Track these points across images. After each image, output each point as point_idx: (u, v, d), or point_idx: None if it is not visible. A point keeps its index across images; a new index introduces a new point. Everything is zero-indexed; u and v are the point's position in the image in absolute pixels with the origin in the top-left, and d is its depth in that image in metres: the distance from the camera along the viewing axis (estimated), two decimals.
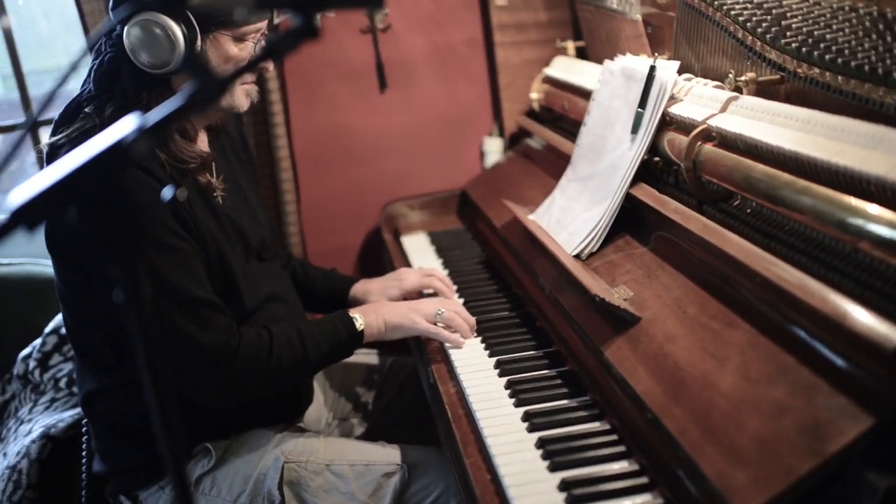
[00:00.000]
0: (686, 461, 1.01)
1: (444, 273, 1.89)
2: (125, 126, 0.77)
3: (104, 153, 0.76)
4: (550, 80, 2.21)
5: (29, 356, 2.08)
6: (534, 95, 2.25)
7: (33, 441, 1.84)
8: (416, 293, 1.82)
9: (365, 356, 1.98)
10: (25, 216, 0.77)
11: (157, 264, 1.36)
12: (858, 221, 1.00)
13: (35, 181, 0.77)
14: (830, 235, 1.08)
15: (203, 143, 1.56)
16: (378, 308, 1.61)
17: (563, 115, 2.10)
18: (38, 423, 1.93)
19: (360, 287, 1.86)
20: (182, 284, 1.38)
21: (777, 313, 1.07)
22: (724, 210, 1.34)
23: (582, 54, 2.24)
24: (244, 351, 1.43)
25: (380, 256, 2.36)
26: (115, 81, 1.41)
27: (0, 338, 2.19)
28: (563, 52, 2.23)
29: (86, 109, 1.41)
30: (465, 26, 2.41)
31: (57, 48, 3.93)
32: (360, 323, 1.56)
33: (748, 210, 1.32)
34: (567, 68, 2.12)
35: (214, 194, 1.52)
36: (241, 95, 1.50)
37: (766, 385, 1.01)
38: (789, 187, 1.13)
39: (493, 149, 2.45)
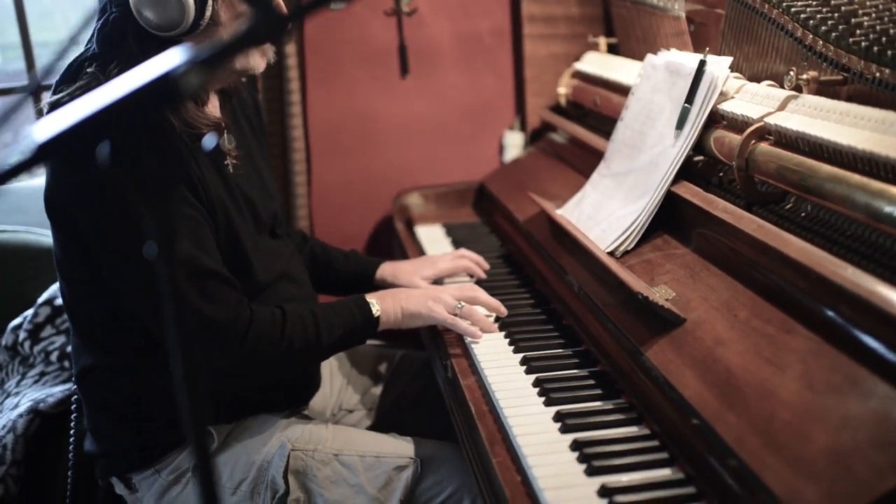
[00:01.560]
0: (742, 472, 0.94)
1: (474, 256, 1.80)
2: (172, 58, 0.69)
3: (151, 84, 0.68)
4: (580, 75, 2.13)
5: (19, 326, 1.99)
6: (561, 90, 2.18)
7: (20, 415, 1.75)
8: (449, 276, 1.74)
9: (374, 347, 1.90)
10: (54, 149, 0.69)
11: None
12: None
13: (65, 113, 0.69)
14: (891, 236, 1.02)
15: (215, 107, 1.47)
16: (396, 294, 1.53)
17: (593, 110, 2.03)
18: (26, 396, 1.83)
19: (389, 268, 1.78)
20: (191, 255, 1.30)
21: (843, 319, 1.00)
22: (776, 212, 1.27)
23: (613, 51, 2.17)
24: (255, 328, 1.35)
25: (390, 246, 2.28)
26: (120, 42, 1.32)
27: None
28: (595, 47, 2.16)
29: (88, 69, 1.32)
30: (493, 15, 2.33)
31: (58, 21, 3.85)
32: (376, 309, 1.47)
33: (802, 214, 1.25)
34: (600, 63, 2.05)
35: (226, 162, 1.44)
36: (257, 55, 1.41)
37: (835, 395, 0.94)
38: (862, 189, 1.06)
39: (514, 143, 2.38)
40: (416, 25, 2.29)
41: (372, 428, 1.75)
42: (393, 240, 2.24)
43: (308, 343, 1.40)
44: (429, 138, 2.38)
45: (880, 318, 0.94)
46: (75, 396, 1.70)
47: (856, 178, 1.08)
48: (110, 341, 1.42)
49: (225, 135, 1.48)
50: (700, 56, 1.49)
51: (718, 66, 1.44)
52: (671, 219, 1.45)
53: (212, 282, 1.34)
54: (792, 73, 1.33)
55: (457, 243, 2.04)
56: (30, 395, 1.84)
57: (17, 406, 1.80)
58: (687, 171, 1.47)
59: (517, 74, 2.38)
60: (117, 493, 1.54)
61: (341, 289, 1.77)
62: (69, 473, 1.65)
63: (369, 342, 1.88)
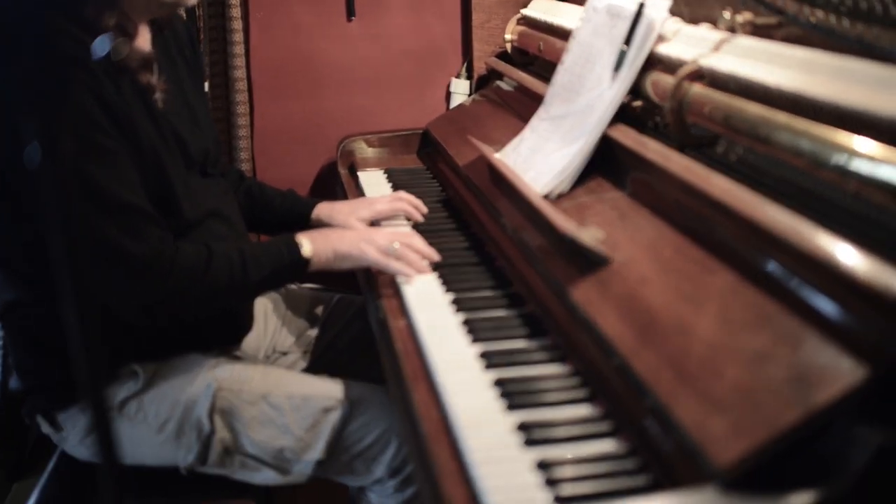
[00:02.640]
0: (656, 408, 0.94)
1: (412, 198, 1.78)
2: None
3: None
4: (527, 21, 2.11)
5: None
6: (508, 36, 2.15)
7: None
8: (386, 218, 1.72)
9: (311, 290, 1.88)
10: None
11: (83, 166, 1.24)
12: (862, 164, 0.93)
13: None
14: (826, 182, 1.02)
15: (145, 40, 1.42)
16: (328, 235, 1.50)
17: (538, 57, 2.01)
18: None
19: (326, 208, 1.75)
20: (112, 189, 1.26)
21: (763, 258, 1.00)
22: (709, 155, 1.27)
23: None
24: (179, 265, 1.32)
25: (333, 192, 2.25)
26: None
27: None
28: None
29: None
30: None
31: None
32: (306, 249, 1.45)
33: (733, 157, 1.25)
34: (546, 9, 2.03)
35: (154, 96, 1.40)
36: None
37: (748, 332, 0.94)
38: (787, 129, 1.05)
39: (461, 90, 2.35)
40: None
41: (307, 370, 1.73)
42: (337, 185, 2.21)
43: (234, 281, 1.38)
44: (375, 84, 2.34)
45: (796, 256, 0.94)
46: (0, 334, 1.66)
47: (782, 117, 1.07)
48: (32, 274, 1.38)
49: (154, 69, 1.43)
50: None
51: (657, 8, 1.43)
52: (607, 162, 1.44)
53: (133, 216, 1.30)
54: (727, 14, 1.32)
55: (398, 188, 2.01)
56: None
57: None
58: (626, 116, 1.46)
59: (465, 20, 2.34)
60: (44, 432, 1.51)
61: (277, 228, 1.74)
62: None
63: (306, 285, 1.88)
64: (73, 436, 1.45)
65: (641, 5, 1.45)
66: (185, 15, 1.57)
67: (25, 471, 1.59)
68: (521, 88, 1.99)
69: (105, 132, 1.27)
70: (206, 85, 2.08)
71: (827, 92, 1.01)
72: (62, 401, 1.44)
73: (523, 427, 1.03)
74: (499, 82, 2.20)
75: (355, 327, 1.79)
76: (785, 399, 0.84)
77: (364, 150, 2.29)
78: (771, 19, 1.27)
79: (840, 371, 0.82)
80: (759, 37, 1.26)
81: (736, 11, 1.31)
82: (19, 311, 1.42)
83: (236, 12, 2.11)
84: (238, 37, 2.14)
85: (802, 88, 1.04)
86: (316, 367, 1.74)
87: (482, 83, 2.33)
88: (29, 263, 1.37)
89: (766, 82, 1.11)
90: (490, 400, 1.10)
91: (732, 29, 1.31)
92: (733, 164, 1.22)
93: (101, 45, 1.24)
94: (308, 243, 1.46)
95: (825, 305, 0.89)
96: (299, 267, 1.45)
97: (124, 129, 1.30)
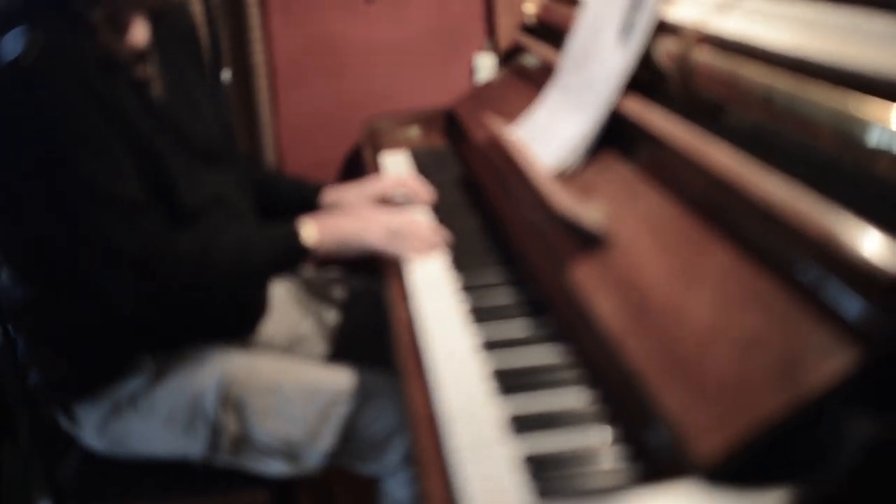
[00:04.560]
0: (644, 395, 0.89)
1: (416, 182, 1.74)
2: None
3: None
4: None
5: None
6: (529, 9, 2.08)
7: None
8: (390, 202, 1.69)
9: (333, 275, 1.86)
10: None
11: (76, 161, 1.23)
12: (860, 128, 0.85)
13: None
14: (828, 149, 0.95)
15: (140, 31, 1.40)
16: (334, 221, 1.48)
17: (562, 29, 1.94)
18: None
19: (334, 193, 1.72)
20: (105, 183, 1.26)
21: (761, 234, 0.93)
22: (721, 125, 1.19)
23: None
24: (176, 255, 1.32)
25: (361, 175, 2.23)
26: None
27: None
28: None
29: None
30: None
31: None
32: (309, 234, 1.42)
33: (745, 127, 1.17)
34: None
35: (151, 88, 1.38)
36: None
37: (742, 314, 0.88)
38: (780, 92, 0.98)
39: (486, 65, 2.30)
40: None
41: (328, 357, 1.72)
42: (364, 169, 2.19)
43: (233, 268, 1.36)
44: (398, 63, 2.31)
45: (794, 233, 0.87)
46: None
47: (782, 80, 1.00)
48: (40, 272, 1.39)
49: (151, 61, 1.42)
50: None
51: None
52: (620, 135, 1.38)
53: (127, 209, 1.29)
54: None
55: (421, 169, 1.98)
56: None
57: None
58: (645, 87, 1.39)
59: None
60: (63, 428, 1.53)
61: (287, 216, 1.72)
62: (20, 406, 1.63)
63: (324, 269, 1.86)
64: (88, 429, 1.46)
65: None
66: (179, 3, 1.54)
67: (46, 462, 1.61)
68: (545, 61, 1.93)
69: (96, 125, 1.26)
70: (227, 73, 2.07)
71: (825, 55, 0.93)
72: (78, 392, 1.45)
73: (511, 417, 0.99)
74: (523, 57, 2.14)
75: (377, 313, 1.76)
76: (772, 385, 0.78)
77: (390, 131, 2.25)
78: None
79: (831, 356, 0.76)
80: None
81: None
82: (31, 308, 1.43)
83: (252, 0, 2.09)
84: (255, 21, 2.12)
85: (804, 50, 0.97)
86: (337, 353, 1.72)
87: (509, 57, 2.27)
88: (36, 262, 1.38)
89: (768, 44, 1.03)
90: (480, 387, 1.06)
91: None
92: (744, 134, 1.14)
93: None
94: (312, 228, 1.43)
95: (823, 286, 0.82)
96: (302, 252, 1.42)
97: (116, 120, 1.29)
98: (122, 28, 1.35)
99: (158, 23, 1.48)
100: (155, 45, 1.45)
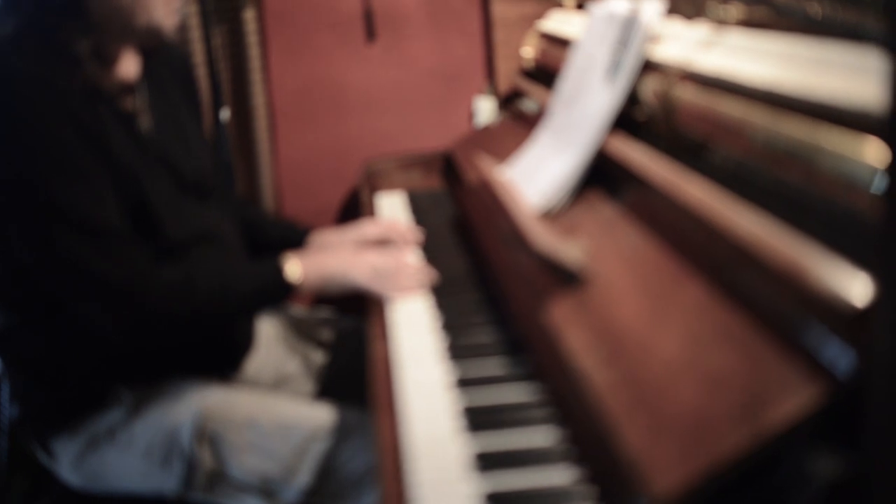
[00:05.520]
0: (606, 428, 0.86)
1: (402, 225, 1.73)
2: None
3: None
4: (545, 36, 2.05)
5: None
6: (526, 52, 2.09)
7: None
8: (376, 244, 1.68)
9: (320, 314, 1.85)
10: None
11: (56, 188, 1.23)
12: (827, 159, 0.84)
13: None
14: (800, 181, 0.93)
15: (130, 66, 1.41)
16: (318, 259, 1.47)
17: (557, 71, 1.94)
18: None
19: (320, 236, 1.72)
20: (86, 212, 1.25)
21: (732, 270, 0.91)
22: (702, 162, 1.18)
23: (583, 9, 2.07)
24: (157, 287, 1.30)
25: (358, 217, 2.22)
26: None
27: None
28: (561, 6, 2.07)
29: None
30: None
31: None
32: (293, 270, 1.41)
33: (729, 164, 1.16)
34: (561, 21, 1.97)
35: (138, 121, 1.39)
36: (161, 11, 1.34)
37: (709, 349, 0.86)
38: (758, 127, 0.97)
39: (486, 109, 2.30)
40: None
41: (313, 397, 1.70)
42: (362, 210, 2.19)
43: (214, 302, 1.35)
44: (399, 105, 2.32)
45: (760, 263, 0.85)
46: None
47: (757, 114, 0.99)
48: (19, 299, 1.39)
49: (139, 94, 1.43)
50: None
51: (650, 9, 1.35)
52: (606, 173, 1.37)
53: (112, 241, 1.29)
54: (717, 7, 1.24)
55: (416, 211, 1.97)
56: None
57: None
58: (630, 126, 1.39)
59: (487, 38, 2.30)
60: (40, 462, 1.51)
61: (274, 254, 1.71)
62: (1, 442, 1.62)
63: (314, 309, 1.84)
64: (65, 464, 1.44)
65: (634, 7, 1.38)
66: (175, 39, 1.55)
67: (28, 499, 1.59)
68: (543, 106, 1.93)
69: (77, 153, 1.26)
70: (226, 112, 2.08)
71: (797, 87, 0.92)
72: (53, 426, 1.43)
73: (477, 454, 0.96)
74: (522, 101, 2.15)
75: (363, 354, 1.74)
76: (735, 422, 0.75)
77: (388, 173, 2.26)
78: (763, 15, 1.19)
79: (795, 391, 0.73)
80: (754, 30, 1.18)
81: (729, 8, 1.23)
82: (10, 335, 1.42)
83: (254, 39, 2.11)
84: (256, 63, 2.14)
85: (777, 82, 0.96)
86: (323, 393, 1.70)
87: (507, 101, 2.28)
88: (11, 287, 1.37)
89: (747, 79, 1.02)
90: (448, 423, 1.04)
91: (726, 24, 1.23)
92: (725, 170, 1.13)
93: None
94: (295, 265, 1.43)
95: (791, 320, 0.80)
96: (285, 288, 1.41)
97: (100, 150, 1.30)
98: (109, 61, 1.36)
99: (151, 58, 1.50)
100: (145, 79, 1.46)
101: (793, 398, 0.72)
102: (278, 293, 1.42)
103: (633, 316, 1.00)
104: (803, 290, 0.78)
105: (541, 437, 1.00)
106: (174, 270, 1.35)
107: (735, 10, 1.21)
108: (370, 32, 2.22)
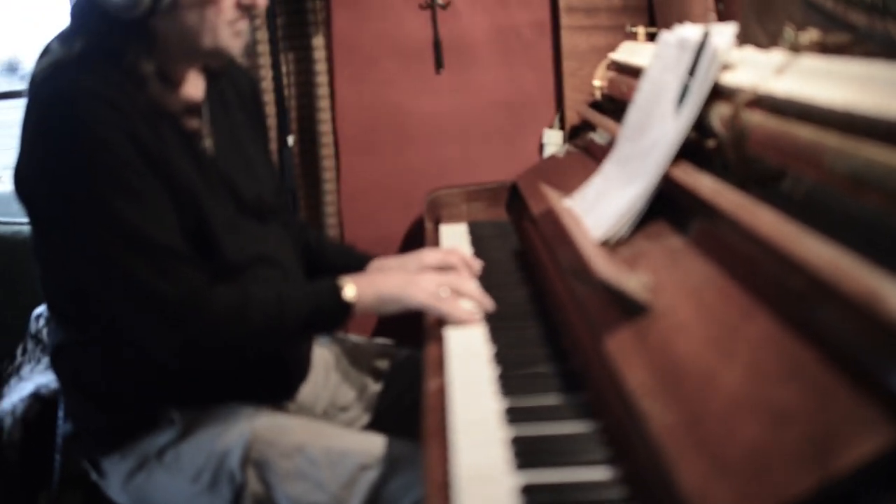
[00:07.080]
0: (663, 466, 0.81)
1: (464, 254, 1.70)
2: None
3: None
4: (615, 66, 2.01)
5: (40, 314, 2.01)
6: (597, 83, 2.06)
7: (21, 399, 1.76)
8: (436, 270, 1.65)
9: (377, 344, 1.82)
10: None
11: (116, 206, 1.24)
12: None
13: None
14: (880, 209, 0.87)
15: (194, 87, 1.42)
16: (374, 279, 1.45)
17: (626, 102, 1.90)
18: (33, 381, 1.85)
19: (377, 263, 1.70)
20: (145, 230, 1.26)
21: (804, 302, 0.85)
22: (775, 191, 1.12)
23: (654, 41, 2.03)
24: (213, 306, 1.30)
25: (421, 247, 2.20)
26: (87, 20, 1.30)
27: (19, 299, 2.13)
28: (633, 37, 2.04)
29: (51, 45, 1.32)
30: (531, 7, 2.25)
31: None
32: (349, 291, 1.39)
33: (802, 192, 1.10)
34: (631, 51, 1.93)
35: (202, 141, 1.40)
36: (227, 34, 1.35)
37: (774, 385, 0.80)
38: (835, 151, 0.91)
39: (554, 141, 2.27)
40: (452, 19, 2.23)
41: (368, 428, 1.66)
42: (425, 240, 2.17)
43: (270, 322, 1.34)
44: (465, 136, 2.30)
45: (837, 301, 0.79)
46: None
47: (833, 139, 0.93)
48: (77, 316, 1.40)
49: (203, 116, 1.44)
50: (706, 27, 1.35)
51: (722, 34, 1.30)
52: (670, 204, 1.32)
53: (169, 259, 1.29)
54: (790, 32, 1.18)
55: (478, 242, 1.94)
56: (37, 380, 1.85)
57: (23, 391, 1.81)
58: (696, 155, 1.34)
59: (557, 69, 2.27)
60: (92, 480, 1.51)
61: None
62: (56, 457, 1.63)
63: (373, 339, 1.82)
64: (114, 483, 1.43)
65: (706, 33, 1.34)
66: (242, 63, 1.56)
67: None
68: (611, 137, 1.89)
69: (138, 173, 1.27)
70: (292, 139, 2.09)
71: (878, 109, 0.86)
72: (105, 445, 1.43)
73: (527, 489, 0.91)
74: (591, 133, 2.10)
75: (419, 385, 1.70)
76: (800, 464, 0.69)
77: (452, 204, 2.23)
78: (842, 38, 1.13)
79: (868, 433, 0.67)
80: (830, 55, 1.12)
81: (801, 29, 1.17)
82: (66, 353, 1.43)
83: (322, 67, 2.13)
84: (323, 91, 2.15)
85: (855, 105, 0.90)
86: (378, 424, 1.67)
87: (576, 133, 2.24)
88: (73, 307, 1.38)
89: (822, 102, 0.97)
90: (498, 456, 0.99)
91: (799, 50, 1.18)
92: (800, 201, 1.07)
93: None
94: (351, 285, 1.40)
95: (866, 357, 0.74)
96: (341, 310, 1.39)
97: (161, 169, 1.30)
98: (174, 81, 1.37)
99: (216, 79, 1.51)
100: (210, 100, 1.47)
101: (867, 439, 0.66)
102: (334, 313, 1.39)
103: (697, 349, 0.94)
104: (882, 325, 0.72)
105: (594, 473, 0.94)
106: (230, 289, 1.34)
107: (810, 36, 1.16)
108: (438, 62, 2.22)
